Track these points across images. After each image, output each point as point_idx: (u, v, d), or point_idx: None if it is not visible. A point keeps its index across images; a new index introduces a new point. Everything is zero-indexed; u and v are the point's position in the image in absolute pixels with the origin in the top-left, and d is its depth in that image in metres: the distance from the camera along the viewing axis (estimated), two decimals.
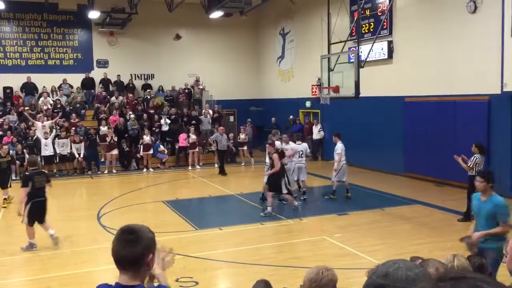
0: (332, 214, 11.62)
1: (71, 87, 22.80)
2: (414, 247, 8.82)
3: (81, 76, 22.96)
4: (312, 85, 20.83)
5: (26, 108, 20.56)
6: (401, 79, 16.27)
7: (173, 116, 21.69)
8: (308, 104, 21.94)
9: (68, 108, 21.45)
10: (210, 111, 22.56)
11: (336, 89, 13.70)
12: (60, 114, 20.05)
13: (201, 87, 24.37)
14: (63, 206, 14.18)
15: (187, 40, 24.93)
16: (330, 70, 14.03)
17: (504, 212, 5.83)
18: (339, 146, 13.15)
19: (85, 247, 9.48)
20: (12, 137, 18.60)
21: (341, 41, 14.57)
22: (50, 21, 22.72)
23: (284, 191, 11.66)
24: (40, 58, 22.68)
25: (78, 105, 21.88)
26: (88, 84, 23.05)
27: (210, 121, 22.18)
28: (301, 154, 13.25)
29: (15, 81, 21.88)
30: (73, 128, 19.80)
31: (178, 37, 24.72)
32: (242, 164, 20.47)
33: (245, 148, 20.96)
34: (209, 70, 24.96)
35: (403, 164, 16.35)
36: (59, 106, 21.30)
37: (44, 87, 22.13)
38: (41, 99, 21.51)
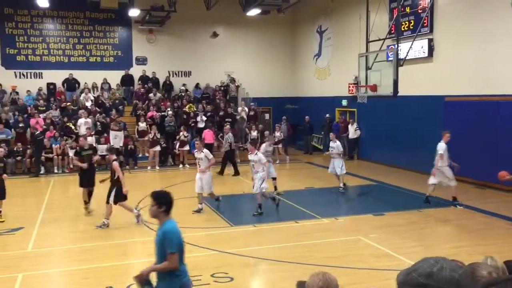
0: (367, 214, 11.46)
1: (110, 86, 23.27)
2: (453, 250, 8.62)
3: (121, 73, 23.44)
4: (349, 84, 20.60)
5: (68, 103, 21.21)
6: (441, 78, 15.88)
7: (209, 114, 21.90)
8: (344, 102, 21.71)
9: (108, 104, 21.95)
10: (246, 109, 22.64)
11: (374, 88, 13.50)
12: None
13: (237, 84, 24.49)
14: (102, 199, 14.53)
15: (224, 38, 25.09)
16: (368, 68, 13.84)
17: None
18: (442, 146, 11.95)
19: (122, 240, 9.69)
20: (55, 131, 19.20)
21: (379, 39, 14.33)
22: (92, 19, 23.30)
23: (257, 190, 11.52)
24: (82, 55, 23.29)
25: (117, 101, 22.37)
26: (127, 80, 23.53)
27: (246, 118, 22.26)
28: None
29: (58, 77, 22.55)
30: (113, 123, 20.23)
31: (215, 35, 24.90)
32: (277, 162, 20.43)
33: (280, 146, 20.91)
34: (245, 67, 25.06)
35: None
36: (99, 102, 21.86)
37: (85, 83, 22.74)
38: (83, 95, 22.11)
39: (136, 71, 23.90)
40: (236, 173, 17.80)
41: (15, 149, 18.28)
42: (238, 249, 8.92)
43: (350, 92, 20.49)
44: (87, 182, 11.77)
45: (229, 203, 13.68)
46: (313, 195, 13.78)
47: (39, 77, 22.60)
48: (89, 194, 11.85)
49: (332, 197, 13.97)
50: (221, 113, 22.04)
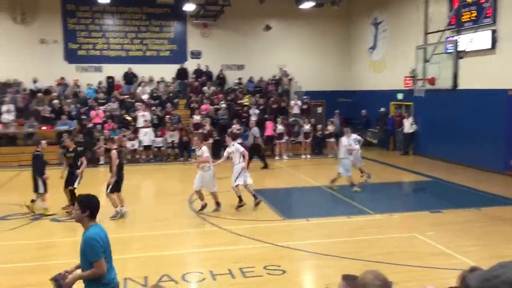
0: (424, 211, 11.16)
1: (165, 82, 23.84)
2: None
3: (176, 66, 23.93)
4: (405, 77, 20.02)
5: (126, 96, 21.92)
6: (505, 70, 15.15)
7: (262, 107, 21.99)
8: (400, 96, 21.18)
9: (164, 97, 22.50)
10: (299, 102, 22.55)
11: (432, 81, 13.07)
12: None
13: (289, 77, 24.42)
14: (158, 190, 14.99)
15: (277, 31, 25.04)
16: (425, 61, 13.41)
17: None
18: None
19: (177, 230, 9.95)
20: (113, 124, 19.90)
21: (438, 31, 13.85)
22: (148, 14, 23.89)
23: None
24: (139, 50, 23.95)
25: (172, 95, 22.88)
26: (182, 74, 23.99)
27: (299, 112, 22.19)
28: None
29: (117, 71, 23.34)
30: (168, 116, 20.74)
31: (268, 28, 24.90)
32: (329, 156, 20.29)
33: (332, 139, 20.70)
34: (298, 60, 24.93)
35: (502, 161, 15.28)
36: (155, 95, 22.45)
37: (142, 76, 23.42)
38: (139, 88, 22.78)
39: (190, 65, 24.33)
40: (265, 166, 17.72)
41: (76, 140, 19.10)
42: (291, 242, 8.95)
43: (406, 85, 19.93)
44: (66, 183, 11.37)
45: (281, 196, 13.73)
46: (366, 190, 13.57)
47: (99, 71, 23.45)
48: (72, 194, 11.14)
49: (386, 193, 13.71)
50: (274, 106, 22.08)
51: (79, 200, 4.54)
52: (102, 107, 20.97)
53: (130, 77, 23.34)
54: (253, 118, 21.30)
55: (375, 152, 20.76)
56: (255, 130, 18.12)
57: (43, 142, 11.64)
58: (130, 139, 19.43)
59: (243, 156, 11.54)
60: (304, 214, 11.13)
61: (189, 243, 9.34)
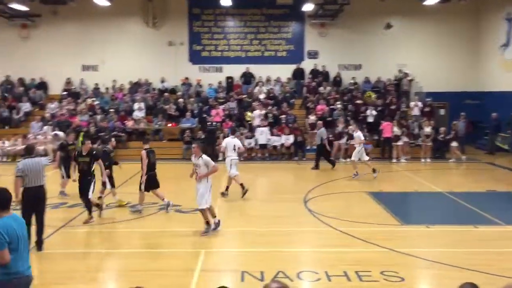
0: None
1: (281, 82, 24.16)
2: None
3: (292, 66, 24.16)
4: None
5: (244, 96, 22.64)
6: None
7: (379, 108, 21.36)
8: None
9: (280, 97, 22.86)
10: (419, 103, 21.53)
11: None
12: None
13: (409, 78, 23.38)
14: (273, 188, 15.25)
15: (398, 29, 24.10)
16: None
17: None
18: None
19: (294, 228, 10.02)
20: (231, 123, 20.65)
21: None
22: (268, 15, 24.42)
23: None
24: (258, 50, 24.58)
25: (288, 95, 23.14)
26: (298, 74, 24.16)
27: (419, 113, 21.19)
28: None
29: (236, 71, 24.20)
30: (283, 116, 21.01)
31: (388, 26, 24.07)
32: (451, 161, 19.10)
33: (455, 144, 19.41)
34: (420, 60, 23.78)
35: None
36: (271, 95, 22.88)
37: (260, 76, 24.01)
38: (257, 88, 23.38)
39: (307, 65, 24.40)
40: (333, 166, 17.63)
41: (197, 136, 20.19)
42: (409, 249, 8.56)
43: None
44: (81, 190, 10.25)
45: (398, 201, 13.22)
46: (495, 199, 12.53)
47: (220, 71, 24.50)
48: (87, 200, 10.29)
49: None
50: (393, 107, 21.33)
51: None
52: (221, 106, 21.88)
53: (248, 77, 24.05)
54: (370, 119, 20.81)
55: (507, 158, 19.09)
56: (322, 131, 17.83)
57: (113, 140, 12.37)
58: (247, 138, 20.01)
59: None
60: (423, 220, 10.59)
61: (304, 242, 9.36)
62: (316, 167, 17.59)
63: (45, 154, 17.91)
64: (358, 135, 15.91)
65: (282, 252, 8.51)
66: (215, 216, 9.71)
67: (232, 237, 9.63)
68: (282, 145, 20.01)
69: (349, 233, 9.45)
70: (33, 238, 8.29)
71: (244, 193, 12.72)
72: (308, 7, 22.13)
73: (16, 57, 23.75)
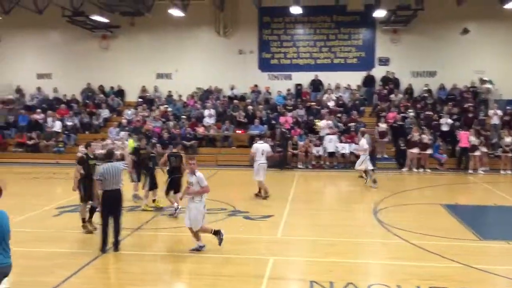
0: None
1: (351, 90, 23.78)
2: None
3: (363, 73, 23.77)
4: None
5: (312, 103, 22.55)
6: None
7: (455, 116, 20.48)
8: None
9: (349, 105, 22.54)
10: (499, 112, 20.40)
11: None
12: None
13: (488, 85, 22.21)
14: (341, 197, 15.03)
15: (476, 34, 23.02)
16: None
17: None
18: None
19: (361, 239, 9.80)
20: (299, 130, 20.61)
21: None
22: (338, 22, 24.22)
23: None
24: (327, 57, 24.41)
25: (357, 102, 22.76)
26: (368, 81, 23.71)
27: (499, 122, 20.09)
28: None
29: (305, 78, 24.17)
30: (353, 123, 20.68)
31: (465, 31, 23.05)
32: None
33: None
34: (500, 66, 22.61)
35: None
36: (341, 102, 22.61)
37: (329, 84, 23.83)
38: (326, 95, 23.19)
39: (377, 72, 23.90)
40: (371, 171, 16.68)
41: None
42: (488, 266, 8.09)
43: None
44: (90, 196, 9.77)
45: (475, 214, 12.56)
46: None
47: (289, 79, 24.58)
48: (91, 210, 10.04)
49: None
50: (470, 115, 20.37)
51: None
52: (290, 113, 21.90)
53: (317, 84, 23.93)
54: (445, 128, 20.01)
55: None
56: (367, 139, 17.10)
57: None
58: (315, 145, 19.88)
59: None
60: (503, 235, 9.97)
61: (375, 253, 9.11)
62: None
63: (122, 158, 18.75)
64: (363, 143, 15.57)
65: (352, 263, 8.33)
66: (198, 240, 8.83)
67: (300, 245, 9.58)
68: (351, 153, 19.68)
69: (423, 246, 9.09)
70: (110, 239, 8.70)
71: (260, 196, 13.47)
72: (379, 13, 21.68)
73: (96, 66, 25.16)
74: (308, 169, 19.43)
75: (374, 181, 15.15)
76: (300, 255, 9.02)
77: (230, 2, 24.12)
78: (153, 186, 12.39)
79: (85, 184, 9.84)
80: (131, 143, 17.82)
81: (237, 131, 21.69)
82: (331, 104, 22.54)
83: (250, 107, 22.49)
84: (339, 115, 21.54)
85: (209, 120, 22.27)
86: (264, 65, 24.71)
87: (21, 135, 22.24)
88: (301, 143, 19.91)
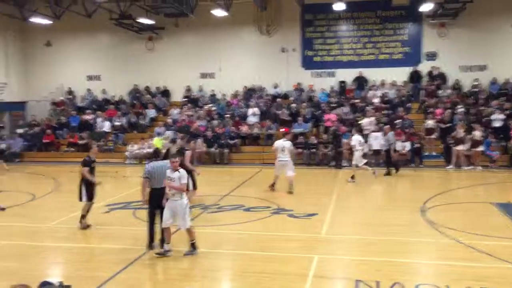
0: None
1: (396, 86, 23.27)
2: None
3: (409, 69, 23.23)
4: None
5: (357, 100, 22.23)
6: None
7: (507, 111, 19.68)
8: None
9: (395, 101, 22.08)
10: None
11: None
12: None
13: None
14: (388, 195, 14.76)
15: None
16: None
17: None
18: None
19: (409, 237, 9.59)
20: (344, 127, 20.34)
21: None
22: (382, 17, 23.73)
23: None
24: (371, 53, 23.99)
25: (403, 98, 22.25)
26: (414, 77, 23.15)
27: None
28: None
29: (349, 75, 23.87)
30: (399, 120, 20.23)
31: None
32: None
33: None
34: None
35: None
36: (386, 99, 22.18)
37: (373, 80, 23.44)
38: (370, 92, 22.81)
39: (424, 67, 23.30)
40: (396, 170, 17.36)
41: (309, 141, 20.24)
42: None
43: None
44: (93, 196, 10.45)
45: None
46: None
47: (332, 76, 24.34)
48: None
49: None
50: None
51: None
52: (334, 111, 21.68)
53: (361, 81, 23.58)
54: (497, 124, 19.26)
55: None
56: (390, 136, 17.74)
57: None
58: (360, 143, 19.52)
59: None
60: None
61: (423, 253, 8.89)
62: (388, 173, 17.30)
63: (165, 157, 19.12)
64: (355, 138, 15.82)
65: (399, 263, 8.17)
66: (168, 243, 8.64)
67: (346, 244, 9.47)
68: (396, 151, 19.25)
69: (473, 246, 8.80)
70: (157, 235, 8.90)
71: (270, 186, 14.17)
72: (426, 7, 21.08)
73: (143, 67, 25.77)
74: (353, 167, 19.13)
75: (353, 177, 15.73)
76: (345, 253, 8.92)
77: (273, 1, 24.11)
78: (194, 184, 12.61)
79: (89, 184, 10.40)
80: (157, 142, 18.39)
81: (281, 130, 21.65)
82: (376, 100, 22.14)
83: (293, 105, 22.43)
84: (384, 112, 21.11)
85: (252, 119, 22.37)
86: (307, 63, 24.56)
87: (73, 135, 23.07)
88: (345, 140, 19.64)
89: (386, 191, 15.56)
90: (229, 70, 24.99)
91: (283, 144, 13.92)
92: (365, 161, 16.23)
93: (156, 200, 8.80)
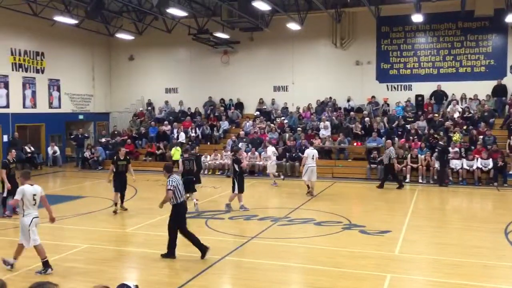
0: None
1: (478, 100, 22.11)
2: None
3: (492, 83, 22.06)
4: None
5: (435, 115, 21.39)
6: None
7: None
8: None
9: (476, 116, 21.01)
10: None
11: None
12: None
13: None
14: (468, 215, 13.99)
15: None
16: None
17: None
18: None
19: (491, 261, 9.00)
20: (420, 143, 19.61)
21: None
22: (464, 29, 22.79)
23: None
24: (452, 66, 23.07)
25: (486, 114, 21.11)
26: (499, 91, 21.93)
27: None
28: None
29: (426, 89, 23.06)
30: (481, 137, 19.22)
31: None
32: None
33: None
34: None
35: None
36: (467, 113, 21.16)
37: (453, 94, 22.46)
38: (450, 106, 21.86)
39: (509, 81, 22.03)
40: (400, 186, 17.13)
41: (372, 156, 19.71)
42: None
43: None
44: (121, 187, 13.26)
45: None
46: None
47: (408, 89, 23.64)
48: (122, 197, 13.37)
49: None
50: None
51: None
52: (409, 125, 20.98)
53: (439, 95, 22.69)
54: None
55: None
56: (391, 151, 17.39)
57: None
58: (436, 159, 18.75)
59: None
60: None
61: (508, 278, 8.31)
62: (381, 186, 17.08)
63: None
64: (307, 152, 15.93)
65: (479, 286, 7.69)
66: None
67: (422, 264, 9.07)
68: (478, 168, 18.25)
69: None
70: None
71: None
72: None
73: (217, 80, 26.47)
74: (430, 184, 18.38)
75: (311, 194, 15.71)
76: (419, 273, 8.54)
77: (348, 13, 23.93)
78: (241, 189, 13.19)
79: (115, 178, 13.24)
80: (175, 153, 19.05)
81: (354, 144, 21.30)
82: (456, 115, 21.17)
83: (367, 119, 21.98)
84: (465, 127, 20.13)
85: (324, 132, 22.17)
86: (383, 76, 24.06)
87: (151, 145, 24.07)
88: (421, 156, 18.94)
89: (464, 211, 14.78)
90: (302, 83, 25.03)
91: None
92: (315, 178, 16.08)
93: (182, 213, 9.14)
